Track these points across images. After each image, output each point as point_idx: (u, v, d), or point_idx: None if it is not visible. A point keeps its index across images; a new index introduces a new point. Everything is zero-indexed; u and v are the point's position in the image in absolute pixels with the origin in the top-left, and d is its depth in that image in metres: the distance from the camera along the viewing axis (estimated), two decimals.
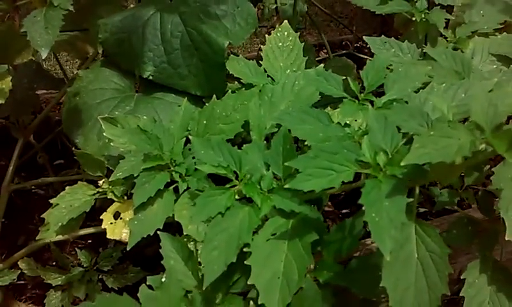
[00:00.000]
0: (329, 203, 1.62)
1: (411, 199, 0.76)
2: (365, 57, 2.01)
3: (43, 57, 1.10)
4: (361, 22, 2.38)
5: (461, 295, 1.03)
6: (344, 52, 2.18)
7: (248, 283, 0.84)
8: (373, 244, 1.28)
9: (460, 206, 1.47)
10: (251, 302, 0.88)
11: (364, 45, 2.32)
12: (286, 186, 0.82)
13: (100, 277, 1.41)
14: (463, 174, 1.29)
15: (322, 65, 1.21)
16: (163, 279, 0.94)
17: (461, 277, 1.05)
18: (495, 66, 1.19)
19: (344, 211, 1.62)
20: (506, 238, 0.85)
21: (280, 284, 0.83)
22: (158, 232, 1.02)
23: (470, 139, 0.72)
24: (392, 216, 0.71)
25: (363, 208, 0.80)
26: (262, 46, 1.38)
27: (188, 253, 0.99)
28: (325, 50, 2.11)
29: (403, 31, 1.60)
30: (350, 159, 0.82)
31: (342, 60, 1.81)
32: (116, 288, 1.39)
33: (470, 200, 1.21)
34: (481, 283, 1.02)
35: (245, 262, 0.86)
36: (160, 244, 1.01)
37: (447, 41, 1.30)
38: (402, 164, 0.70)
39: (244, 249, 0.88)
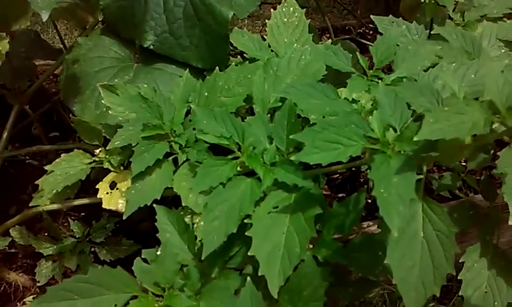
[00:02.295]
0: (326, 187, 1.61)
1: (421, 176, 0.75)
2: (368, 42, 1.99)
3: (44, 20, 1.05)
4: (364, 9, 2.36)
5: (459, 278, 1.02)
6: (347, 36, 2.15)
7: (249, 254, 0.83)
8: (370, 227, 1.27)
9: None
10: (248, 278, 0.86)
11: (367, 31, 2.30)
12: (292, 158, 0.80)
13: (92, 249, 1.38)
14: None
15: (328, 40, 1.18)
16: (158, 253, 0.92)
17: (460, 261, 1.04)
18: (502, 51, 1.18)
19: (340, 195, 1.60)
20: (510, 223, 0.84)
21: (281, 256, 0.82)
22: (154, 205, 1.00)
23: (484, 116, 0.71)
24: (400, 192, 0.70)
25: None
26: (266, 25, 1.35)
27: (184, 226, 0.98)
28: (328, 35, 2.09)
29: (409, 16, 1.58)
30: (358, 134, 0.80)
31: (346, 43, 1.79)
32: (109, 261, 1.36)
33: (472, 184, 1.20)
34: (480, 267, 1.02)
35: (246, 233, 0.85)
36: (156, 216, 0.99)
37: (456, 24, 1.28)
38: (415, 139, 0.68)
39: (245, 221, 0.86)
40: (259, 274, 0.81)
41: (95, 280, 0.90)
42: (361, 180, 1.59)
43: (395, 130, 0.80)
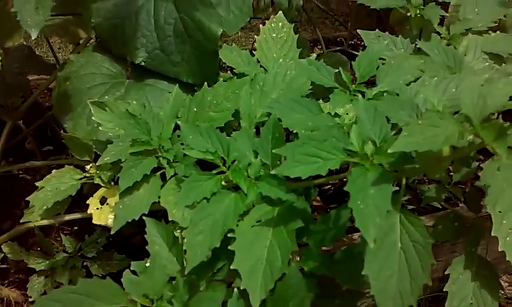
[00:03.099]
0: (318, 198, 1.62)
1: (397, 188, 0.76)
2: (359, 54, 2.00)
3: (33, 38, 1.08)
4: (356, 20, 2.37)
5: (444, 290, 1.03)
6: (338, 48, 2.16)
7: (231, 267, 0.84)
8: (360, 238, 1.28)
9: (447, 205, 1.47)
10: (236, 290, 0.87)
11: (359, 42, 2.32)
12: (273, 172, 0.82)
13: (84, 263, 1.39)
14: (451, 172, 1.29)
15: (314, 55, 1.20)
16: (147, 264, 0.93)
17: (446, 273, 1.05)
18: (487, 64, 1.19)
19: (332, 206, 1.61)
20: (492, 234, 0.85)
21: (263, 270, 0.83)
22: (143, 217, 1.01)
23: (458, 129, 0.72)
24: (377, 203, 0.71)
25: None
26: (256, 37, 1.37)
27: (173, 239, 0.99)
28: (319, 46, 2.10)
29: (398, 28, 1.60)
30: (338, 147, 0.81)
31: (336, 55, 1.81)
32: (100, 275, 1.37)
33: (457, 195, 1.21)
34: (465, 279, 1.03)
35: (229, 247, 0.85)
36: (146, 229, 1.00)
37: (441, 37, 1.30)
38: (389, 151, 0.69)
39: (229, 235, 0.87)
40: (241, 288, 0.82)
41: (84, 291, 0.90)
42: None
43: (374, 144, 0.81)
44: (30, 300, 1.35)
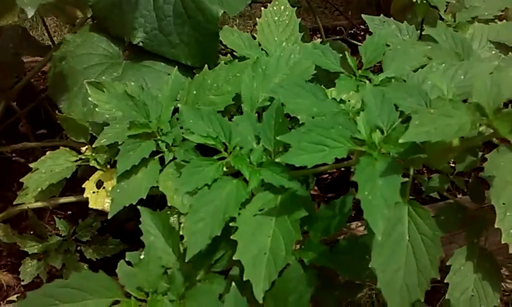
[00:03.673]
0: (316, 187, 1.60)
1: (406, 179, 0.74)
2: (359, 43, 1.98)
3: (29, 16, 1.04)
4: (356, 10, 2.35)
5: (445, 281, 1.02)
6: (338, 37, 2.14)
7: (234, 258, 0.82)
8: (358, 228, 1.26)
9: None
10: (233, 283, 0.85)
11: (358, 32, 2.30)
12: (277, 160, 0.79)
13: (78, 247, 1.37)
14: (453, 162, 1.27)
15: (319, 40, 1.17)
16: (142, 256, 0.91)
17: (447, 264, 1.04)
18: (493, 53, 1.17)
19: (330, 195, 1.59)
20: (496, 226, 0.84)
21: (266, 260, 0.81)
22: (138, 207, 0.99)
23: (470, 119, 0.70)
24: (385, 195, 0.69)
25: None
26: (258, 20, 1.34)
27: (169, 228, 0.96)
28: (319, 35, 2.07)
29: (400, 17, 1.57)
30: (344, 135, 0.79)
31: (337, 43, 1.77)
32: (94, 260, 1.35)
33: (460, 186, 1.19)
34: (466, 270, 1.01)
35: (231, 237, 0.83)
36: (140, 218, 0.97)
37: (447, 25, 1.28)
38: (400, 141, 0.67)
39: (231, 224, 0.85)
40: (244, 279, 0.79)
41: (76, 285, 0.88)
42: (351, 180, 1.58)
43: (382, 132, 0.79)
44: (22, 283, 1.33)
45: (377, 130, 0.79)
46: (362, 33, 2.23)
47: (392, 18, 1.33)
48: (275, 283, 0.81)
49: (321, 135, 0.78)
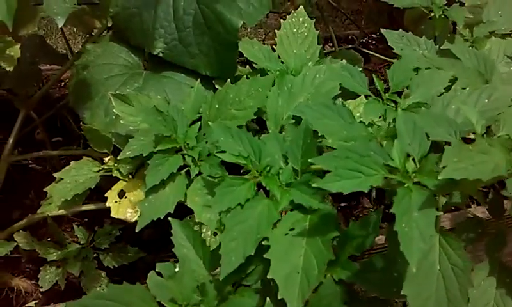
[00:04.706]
0: (330, 197, 1.62)
1: (441, 213, 0.76)
2: (370, 52, 2.00)
3: (60, 26, 1.06)
4: (367, 19, 2.36)
5: None
6: (350, 46, 2.15)
7: (268, 277, 0.83)
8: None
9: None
10: (268, 299, 0.87)
11: (370, 41, 2.31)
12: (313, 185, 0.80)
13: (95, 255, 1.38)
14: None
15: (344, 61, 1.19)
16: (176, 269, 0.93)
17: None
18: (511, 68, 1.19)
19: (343, 204, 1.62)
20: None
21: (300, 279, 0.82)
22: (169, 219, 1.00)
23: (505, 157, 0.72)
24: (421, 228, 0.70)
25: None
26: (268, 34, 1.35)
27: (200, 241, 0.98)
28: (331, 44, 2.09)
29: (413, 28, 1.58)
30: (378, 162, 0.80)
31: (350, 53, 1.79)
32: (112, 267, 1.37)
33: (480, 202, 1.21)
34: (487, 285, 1.03)
35: (264, 256, 0.85)
36: (172, 230, 0.99)
37: (464, 40, 1.29)
38: (440, 177, 0.69)
39: (263, 243, 0.87)
40: (279, 297, 0.82)
41: (112, 296, 0.89)
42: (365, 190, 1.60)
43: (413, 160, 0.81)
44: (41, 290, 1.35)
45: (410, 158, 0.81)
46: (374, 42, 2.25)
47: (404, 28, 1.34)
48: (309, 299, 0.83)
49: (356, 162, 0.79)
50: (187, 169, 1.07)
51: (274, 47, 1.34)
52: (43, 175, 1.23)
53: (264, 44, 1.36)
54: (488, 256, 1.05)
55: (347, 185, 0.78)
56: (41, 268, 1.35)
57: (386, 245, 0.89)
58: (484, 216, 1.14)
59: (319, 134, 0.97)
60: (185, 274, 0.92)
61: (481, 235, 1.10)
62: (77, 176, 1.19)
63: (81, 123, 1.22)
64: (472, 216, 1.09)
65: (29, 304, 1.34)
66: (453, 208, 1.42)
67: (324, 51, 1.92)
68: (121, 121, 1.16)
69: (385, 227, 1.06)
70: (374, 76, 0.98)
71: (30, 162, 1.63)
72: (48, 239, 1.42)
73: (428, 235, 0.70)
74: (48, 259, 1.35)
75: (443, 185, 0.74)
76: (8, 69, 1.14)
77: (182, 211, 1.05)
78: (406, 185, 0.76)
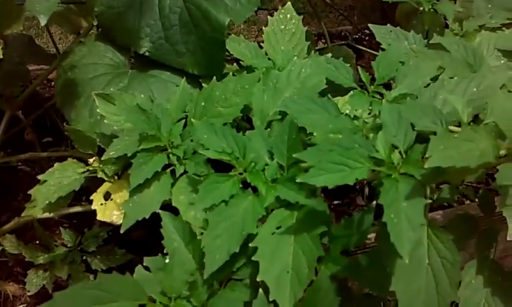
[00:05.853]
0: (322, 194, 1.61)
1: (429, 201, 0.74)
2: (364, 48, 1.98)
3: (42, 24, 1.03)
4: (360, 15, 2.35)
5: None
6: (343, 42, 2.14)
7: (257, 279, 0.81)
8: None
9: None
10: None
11: (363, 37, 2.30)
12: (297, 180, 0.78)
13: (83, 257, 1.36)
14: None
15: (329, 54, 1.17)
16: (166, 261, 0.90)
17: None
18: (502, 61, 1.17)
19: (336, 202, 1.60)
20: (508, 239, 0.84)
21: (290, 279, 0.80)
22: (159, 211, 0.98)
23: (491, 144, 0.70)
24: (410, 218, 0.69)
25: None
26: (261, 31, 1.34)
27: (190, 235, 0.95)
28: (323, 40, 2.07)
29: (404, 23, 1.57)
30: (363, 155, 0.79)
31: (342, 49, 1.77)
32: (100, 270, 1.34)
33: (470, 196, 1.20)
34: (477, 284, 1.01)
35: (252, 258, 0.83)
36: (161, 223, 0.97)
37: (454, 33, 1.28)
38: (426, 166, 0.67)
39: (250, 245, 0.85)
40: (270, 299, 0.79)
41: (103, 287, 0.87)
42: (357, 186, 1.59)
43: (399, 152, 0.79)
44: (28, 294, 1.33)
45: (395, 149, 0.79)
46: (367, 38, 2.24)
47: (396, 23, 1.33)
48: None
49: (341, 155, 0.78)
50: (172, 168, 1.05)
51: (262, 44, 1.32)
52: (31, 177, 1.20)
53: (257, 42, 1.35)
54: (477, 254, 1.03)
55: (332, 179, 0.76)
56: (28, 272, 1.33)
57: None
58: (477, 213, 1.13)
59: (306, 130, 0.96)
60: (175, 266, 0.90)
61: (473, 231, 1.08)
62: (61, 178, 1.17)
63: (65, 124, 1.20)
64: (462, 213, 1.07)
65: None
66: (446, 204, 1.40)
67: (317, 47, 1.91)
68: (105, 121, 1.14)
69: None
70: (359, 68, 0.96)
71: (19, 164, 1.61)
72: (36, 242, 1.40)
73: (417, 224, 0.69)
74: (36, 263, 1.33)
75: (430, 174, 0.72)
76: None
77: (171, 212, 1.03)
78: (392, 176, 0.74)
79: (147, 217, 1.00)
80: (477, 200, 1.10)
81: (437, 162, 0.67)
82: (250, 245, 0.84)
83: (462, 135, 0.69)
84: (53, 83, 1.91)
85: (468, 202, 1.44)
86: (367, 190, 1.56)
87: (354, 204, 1.59)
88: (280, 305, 0.78)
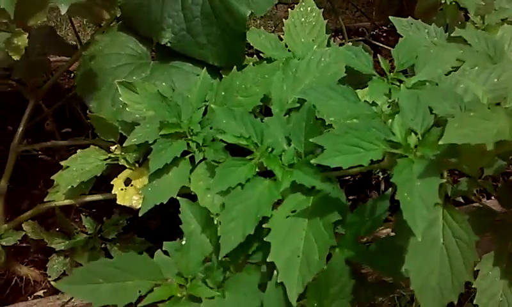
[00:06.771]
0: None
1: (444, 180, 0.74)
2: (381, 45, 1.98)
3: (62, 13, 1.05)
4: (378, 11, 2.34)
5: (473, 286, 1.01)
6: (360, 38, 2.13)
7: (268, 260, 0.82)
8: (382, 230, 1.26)
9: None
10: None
11: (380, 33, 2.29)
12: (312, 161, 0.79)
13: (103, 245, 1.38)
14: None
15: (341, 41, 1.17)
16: (183, 242, 0.92)
17: (475, 269, 1.03)
18: None
19: (351, 197, 1.60)
20: None
21: (300, 263, 0.81)
22: (177, 197, 0.99)
23: (509, 123, 0.70)
24: (424, 196, 0.69)
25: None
26: (278, 27, 1.35)
27: (206, 220, 0.96)
28: (341, 36, 2.07)
29: (424, 19, 1.56)
30: (379, 138, 0.79)
31: (360, 45, 1.77)
32: None
33: (489, 190, 1.19)
34: (495, 276, 1.00)
35: (264, 239, 0.84)
36: (180, 208, 0.98)
37: (476, 27, 1.27)
38: (440, 142, 0.67)
39: (264, 226, 0.85)
40: (278, 281, 0.80)
41: (120, 265, 0.89)
42: (373, 182, 1.58)
43: (416, 135, 0.79)
44: (49, 279, 1.35)
45: (412, 133, 0.79)
46: (384, 34, 2.23)
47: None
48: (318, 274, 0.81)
49: (357, 138, 0.78)
50: (191, 155, 1.06)
51: (282, 37, 1.33)
52: (51, 165, 1.23)
53: (278, 35, 1.36)
54: (496, 246, 1.02)
55: (347, 160, 0.77)
56: (49, 258, 1.35)
57: None
58: (496, 209, 1.12)
59: (324, 116, 0.96)
60: (192, 247, 0.91)
61: (491, 225, 1.07)
62: (83, 164, 1.19)
63: (87, 112, 1.23)
64: (481, 206, 1.07)
65: (37, 293, 1.35)
66: (463, 201, 1.39)
67: (334, 43, 1.91)
68: (128, 109, 1.16)
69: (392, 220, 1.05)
70: (379, 56, 0.97)
71: (39, 152, 1.64)
72: (57, 229, 1.43)
73: (432, 204, 0.68)
74: (56, 249, 1.35)
75: (444, 153, 0.72)
76: (15, 59, 1.15)
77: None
78: (408, 158, 0.74)
79: (165, 202, 1.01)
80: (495, 194, 1.09)
81: (451, 138, 0.66)
82: (264, 226, 0.84)
83: (479, 113, 0.69)
84: (72, 74, 1.95)
85: (485, 199, 1.43)
86: (383, 185, 1.55)
87: (370, 200, 1.58)
88: (288, 288, 0.79)
